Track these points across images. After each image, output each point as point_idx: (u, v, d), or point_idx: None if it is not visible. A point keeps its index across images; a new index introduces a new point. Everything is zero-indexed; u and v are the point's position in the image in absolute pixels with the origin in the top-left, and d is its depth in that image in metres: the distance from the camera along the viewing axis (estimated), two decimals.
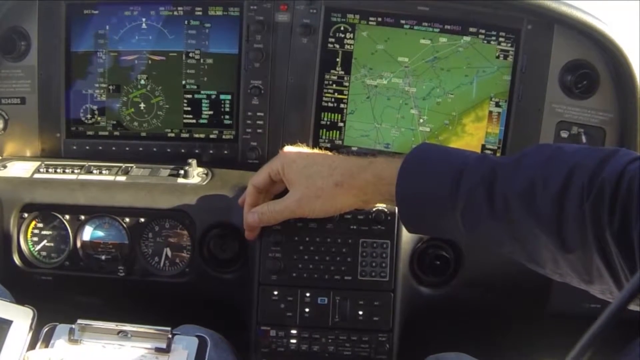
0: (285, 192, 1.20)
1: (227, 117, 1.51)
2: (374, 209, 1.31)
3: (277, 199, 1.20)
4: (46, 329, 1.00)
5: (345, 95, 1.47)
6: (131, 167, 1.44)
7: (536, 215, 0.88)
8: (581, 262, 0.86)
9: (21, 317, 0.98)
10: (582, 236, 0.84)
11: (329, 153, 1.17)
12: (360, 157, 1.12)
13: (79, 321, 0.99)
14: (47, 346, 0.97)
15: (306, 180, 1.12)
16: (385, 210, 1.32)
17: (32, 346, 0.98)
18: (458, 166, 0.97)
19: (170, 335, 0.98)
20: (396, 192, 1.01)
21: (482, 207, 0.93)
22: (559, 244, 0.86)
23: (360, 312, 1.31)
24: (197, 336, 1.01)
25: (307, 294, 1.31)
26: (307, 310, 1.31)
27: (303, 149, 1.21)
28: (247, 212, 1.23)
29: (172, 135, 1.51)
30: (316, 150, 1.20)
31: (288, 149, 1.20)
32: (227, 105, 1.50)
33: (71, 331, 0.98)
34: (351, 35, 1.44)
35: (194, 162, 1.41)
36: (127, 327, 0.99)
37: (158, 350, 0.97)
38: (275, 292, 1.31)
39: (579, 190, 0.84)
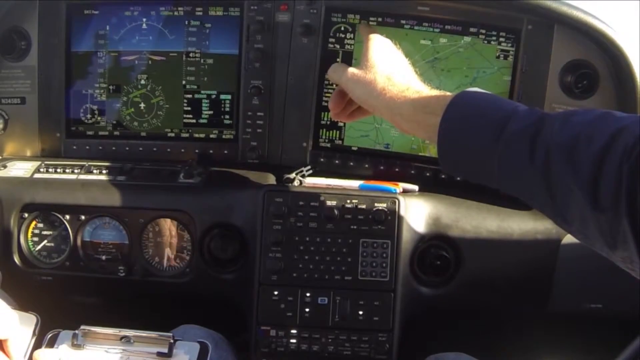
0: None
1: (227, 117, 1.51)
2: (374, 209, 1.32)
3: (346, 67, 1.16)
4: (50, 335, 1.00)
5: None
6: (131, 167, 1.44)
7: (575, 169, 0.88)
8: (609, 224, 0.85)
9: (25, 324, 0.99)
10: (615, 197, 0.83)
11: (409, 68, 1.14)
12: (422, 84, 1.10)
13: (82, 327, 0.99)
14: None
15: (380, 63, 1.12)
16: (386, 210, 1.32)
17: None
18: (506, 112, 0.97)
19: (172, 341, 0.99)
20: (440, 124, 1.00)
21: (523, 154, 0.93)
22: (592, 201, 0.86)
23: (361, 312, 1.31)
24: (198, 342, 1.01)
25: (307, 294, 1.32)
26: (307, 310, 1.31)
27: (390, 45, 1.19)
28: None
29: (172, 135, 1.51)
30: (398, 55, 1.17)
31: (379, 38, 1.18)
32: (227, 105, 1.50)
33: (74, 336, 0.98)
34: (351, 36, 1.44)
35: (194, 162, 1.41)
36: (130, 333, 0.99)
37: (160, 355, 0.98)
38: (276, 292, 1.32)
39: (622, 150, 0.84)
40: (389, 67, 1.11)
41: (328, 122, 1.48)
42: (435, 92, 1.06)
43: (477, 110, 0.99)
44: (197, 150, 1.50)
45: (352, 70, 1.13)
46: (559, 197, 0.92)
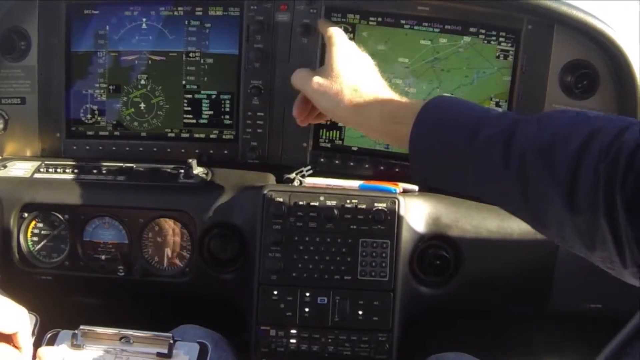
0: None
1: (227, 117, 1.51)
2: (374, 209, 1.32)
3: (311, 72, 1.15)
4: (49, 335, 1.00)
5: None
6: (131, 167, 1.44)
7: (552, 171, 0.87)
8: (587, 226, 0.85)
9: None
10: (593, 198, 0.83)
11: (376, 76, 1.13)
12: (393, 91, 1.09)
13: (82, 327, 0.99)
14: None
15: (344, 70, 1.09)
16: (385, 210, 1.32)
17: (34, 352, 0.99)
18: (479, 117, 0.96)
19: (171, 341, 0.99)
20: (411, 134, 0.99)
21: (497, 159, 0.92)
22: (569, 203, 0.86)
23: (360, 312, 1.31)
24: (198, 342, 1.01)
25: (307, 294, 1.32)
26: (307, 310, 1.31)
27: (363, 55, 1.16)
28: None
29: (172, 135, 1.51)
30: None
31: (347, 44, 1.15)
32: (227, 105, 1.50)
33: (74, 336, 0.98)
34: (351, 36, 1.44)
35: (194, 162, 1.41)
36: (129, 333, 0.99)
37: (160, 355, 0.98)
38: (275, 292, 1.32)
39: (598, 150, 0.84)
40: (355, 77, 1.08)
41: (328, 122, 1.48)
42: (404, 101, 1.04)
43: (448, 117, 0.98)
44: (197, 150, 1.50)
45: (317, 80, 1.10)
46: (533, 201, 0.91)
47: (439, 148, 0.97)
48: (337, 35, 1.15)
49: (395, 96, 1.06)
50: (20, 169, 1.42)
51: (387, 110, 1.03)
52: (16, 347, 0.90)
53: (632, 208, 0.78)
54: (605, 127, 0.86)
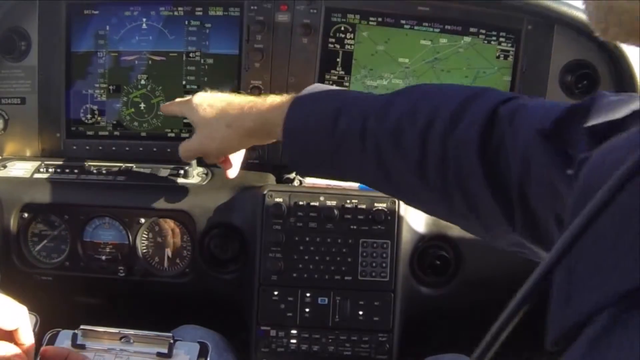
0: None
1: None
2: (374, 209, 1.32)
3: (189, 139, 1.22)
4: (49, 335, 1.00)
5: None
6: (131, 167, 1.44)
7: (403, 154, 0.89)
8: (444, 201, 0.87)
9: None
10: (443, 173, 0.85)
11: (237, 94, 1.17)
12: (259, 97, 1.11)
13: (82, 327, 0.99)
14: None
15: (205, 123, 1.14)
16: (386, 210, 1.32)
17: (35, 352, 0.99)
18: (337, 106, 0.97)
19: (172, 341, 0.99)
20: (282, 134, 1.02)
21: (356, 149, 0.95)
22: (424, 182, 0.88)
23: (361, 312, 1.31)
24: (198, 342, 1.01)
25: (308, 294, 1.32)
26: (307, 310, 1.31)
27: (213, 93, 1.19)
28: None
29: (172, 135, 1.51)
30: (227, 94, 1.18)
31: (197, 95, 1.19)
32: None
33: (74, 336, 0.98)
34: (351, 36, 1.44)
35: (194, 162, 1.41)
36: (130, 333, 0.99)
37: (160, 355, 0.98)
38: (276, 292, 1.32)
39: (441, 127, 0.85)
40: (213, 120, 1.13)
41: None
42: (266, 106, 1.07)
43: (312, 109, 1.01)
44: None
45: (191, 145, 1.19)
46: (397, 183, 0.94)
47: (307, 147, 1.00)
48: (177, 106, 1.22)
49: (256, 105, 1.09)
50: (20, 169, 1.42)
51: (257, 124, 1.07)
52: (17, 344, 0.90)
53: (494, 182, 0.80)
54: (447, 100, 0.87)
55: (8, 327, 0.88)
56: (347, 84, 1.46)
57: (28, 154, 1.50)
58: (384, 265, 1.31)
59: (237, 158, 1.29)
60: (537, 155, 0.74)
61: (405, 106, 0.92)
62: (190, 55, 1.48)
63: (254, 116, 1.08)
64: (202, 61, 1.48)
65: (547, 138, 0.74)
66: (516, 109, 0.82)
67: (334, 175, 1.08)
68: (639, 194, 0.42)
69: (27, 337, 0.91)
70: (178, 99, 1.26)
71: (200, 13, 1.46)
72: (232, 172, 1.29)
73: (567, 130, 0.72)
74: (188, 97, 1.19)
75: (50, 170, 1.41)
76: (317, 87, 1.06)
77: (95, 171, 1.41)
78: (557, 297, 0.49)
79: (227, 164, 1.27)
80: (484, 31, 1.41)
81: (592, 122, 0.66)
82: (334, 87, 1.06)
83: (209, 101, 1.14)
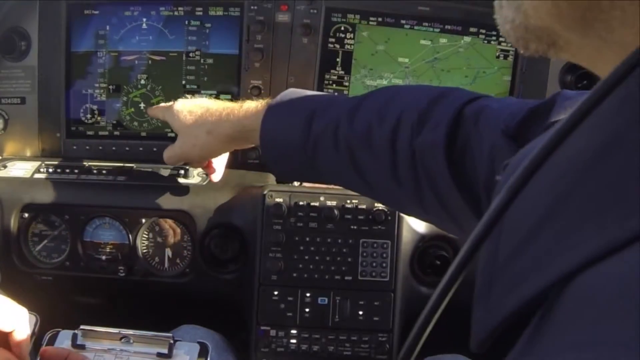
0: None
1: None
2: (374, 209, 1.32)
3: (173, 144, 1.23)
4: (49, 335, 1.00)
5: (345, 95, 1.47)
6: (131, 167, 1.44)
7: (375, 156, 0.90)
8: (417, 201, 0.88)
9: None
10: (414, 173, 0.86)
11: (215, 100, 1.18)
12: (236, 102, 1.12)
13: (82, 327, 0.99)
14: None
15: (186, 130, 1.16)
16: (386, 210, 1.32)
17: (35, 352, 0.99)
18: (311, 109, 0.98)
19: (172, 341, 0.99)
20: (260, 141, 1.04)
21: (331, 153, 0.96)
22: (395, 183, 0.89)
23: (361, 312, 1.31)
24: (198, 342, 1.01)
25: (308, 294, 1.32)
26: (307, 310, 1.31)
27: (193, 99, 1.21)
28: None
29: (172, 135, 1.51)
30: (206, 99, 1.20)
31: (178, 101, 1.20)
32: None
33: (74, 336, 0.98)
34: (351, 36, 1.44)
35: None
36: (130, 333, 0.99)
37: (160, 355, 0.98)
38: (276, 292, 1.32)
39: (409, 129, 0.86)
40: (193, 126, 1.14)
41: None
42: (242, 113, 1.08)
43: (287, 114, 1.01)
44: None
45: (173, 151, 1.20)
46: (373, 184, 0.95)
47: (281, 148, 1.01)
48: (161, 110, 1.23)
49: (233, 113, 1.10)
50: (20, 169, 1.42)
51: (236, 128, 1.08)
52: (13, 345, 0.90)
53: (461, 184, 0.80)
54: (414, 102, 0.88)
55: (4, 328, 0.88)
56: (346, 83, 1.46)
57: (28, 154, 1.50)
58: (384, 265, 1.31)
59: (220, 162, 1.30)
60: (501, 156, 0.74)
61: (374, 108, 0.93)
62: (190, 55, 1.48)
63: (231, 123, 1.09)
64: (202, 61, 1.48)
65: (511, 138, 0.75)
66: (481, 109, 0.82)
67: (314, 179, 1.10)
68: (536, 195, 0.42)
69: (24, 339, 0.91)
70: (162, 104, 1.27)
71: (200, 13, 1.46)
72: (216, 176, 1.31)
73: (529, 130, 0.72)
74: (171, 103, 1.21)
75: (50, 170, 1.40)
76: (292, 92, 1.06)
77: (95, 171, 1.41)
78: (479, 295, 0.49)
79: (210, 168, 1.29)
80: (484, 31, 1.41)
81: (552, 120, 0.66)
82: (308, 92, 1.06)
83: (188, 108, 1.16)
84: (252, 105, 1.07)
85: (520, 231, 0.44)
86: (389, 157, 0.88)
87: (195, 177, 1.41)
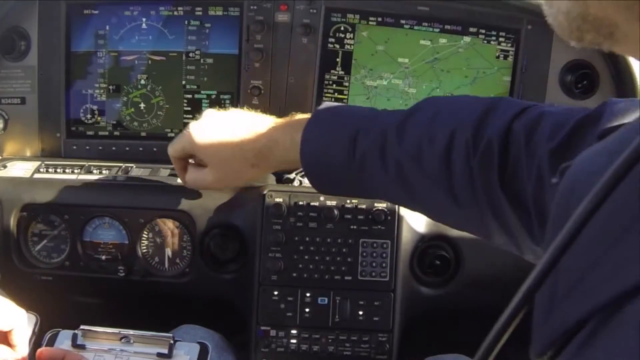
0: None
1: None
2: (374, 209, 1.31)
3: (200, 169, 1.20)
4: (49, 335, 1.00)
5: (345, 95, 1.47)
6: (131, 167, 1.44)
7: (427, 175, 0.90)
8: (475, 218, 0.87)
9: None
10: (472, 193, 0.85)
11: (240, 123, 1.14)
12: (270, 128, 1.10)
13: (82, 327, 0.99)
14: None
15: (222, 164, 1.15)
16: (385, 210, 1.32)
17: (34, 351, 0.99)
18: (352, 129, 0.98)
19: (172, 341, 0.99)
20: (301, 163, 1.04)
21: (378, 171, 0.95)
22: (452, 201, 0.88)
23: (361, 312, 1.31)
24: (198, 342, 1.01)
25: (307, 294, 1.31)
26: (307, 310, 1.31)
27: (209, 123, 1.16)
28: (180, 177, 1.27)
29: (172, 135, 1.51)
30: (225, 119, 1.16)
31: (193, 127, 1.16)
32: (227, 105, 1.50)
33: (74, 336, 0.98)
34: (351, 36, 1.44)
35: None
36: (130, 333, 0.99)
37: (160, 355, 0.98)
38: (276, 292, 1.32)
39: (464, 147, 0.85)
40: (232, 161, 1.13)
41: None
42: (288, 142, 1.06)
43: (328, 134, 1.01)
44: None
45: (204, 181, 1.19)
46: (423, 201, 0.94)
47: (325, 167, 1.01)
48: (181, 144, 1.19)
49: (261, 133, 1.09)
50: (20, 169, 1.42)
51: (285, 153, 1.07)
52: (11, 345, 0.90)
53: (514, 200, 0.80)
54: (464, 118, 0.87)
55: (3, 327, 0.88)
56: (346, 84, 1.46)
57: (28, 154, 1.50)
58: (384, 265, 1.31)
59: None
60: (548, 174, 0.75)
61: (422, 124, 0.91)
62: (190, 55, 1.48)
63: (275, 156, 1.09)
64: (201, 61, 1.48)
65: (557, 154, 0.74)
66: (530, 125, 0.81)
67: (360, 195, 1.11)
68: (619, 205, 0.42)
69: (21, 339, 0.91)
70: (177, 139, 1.20)
71: (200, 13, 1.46)
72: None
73: (577, 140, 0.72)
74: (185, 133, 1.16)
75: (50, 170, 1.40)
76: (328, 109, 1.05)
77: (95, 171, 1.41)
78: (541, 307, 0.49)
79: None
80: (483, 31, 1.41)
81: (605, 127, 0.65)
82: (345, 106, 1.07)
83: (215, 139, 1.13)
84: (291, 125, 1.07)
85: (602, 240, 0.44)
86: (442, 176, 0.87)
87: None
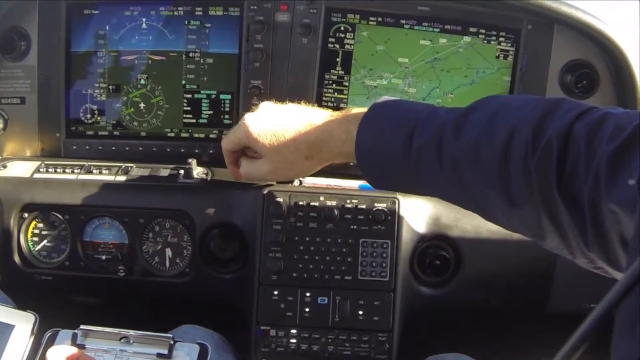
0: None
1: (226, 116, 1.51)
2: (374, 209, 1.31)
3: (255, 160, 1.21)
4: (49, 334, 1.00)
5: (345, 95, 1.47)
6: (131, 167, 1.44)
7: (483, 173, 0.89)
8: (530, 218, 0.86)
9: (23, 322, 0.99)
10: (529, 193, 0.84)
11: (295, 115, 1.14)
12: (325, 121, 1.11)
13: (82, 326, 0.99)
14: None
15: (277, 155, 1.14)
16: (386, 210, 1.32)
17: (33, 351, 0.98)
18: (410, 124, 0.98)
19: (172, 342, 0.99)
20: (356, 155, 1.04)
21: (434, 167, 0.95)
22: (507, 200, 0.87)
23: (361, 312, 1.31)
24: (198, 343, 1.02)
25: (307, 294, 1.32)
26: (307, 310, 1.31)
27: (264, 115, 1.17)
28: (230, 171, 1.27)
29: (172, 135, 1.51)
30: (280, 111, 1.17)
31: (249, 118, 1.17)
32: (227, 105, 1.50)
33: (74, 336, 0.98)
34: (351, 35, 1.44)
35: (194, 162, 1.41)
36: (129, 333, 0.99)
37: (160, 356, 0.98)
38: (276, 292, 1.32)
39: (523, 147, 0.85)
40: (286, 152, 1.13)
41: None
42: (343, 136, 1.07)
43: (385, 126, 1.01)
44: (197, 150, 1.50)
45: (258, 172, 1.19)
46: (476, 199, 0.94)
47: (380, 161, 1.01)
48: (236, 137, 1.19)
49: (315, 127, 1.10)
50: (20, 169, 1.42)
51: (338, 146, 1.08)
52: None
53: (570, 203, 0.79)
54: (525, 118, 0.86)
55: None
56: (346, 83, 1.46)
57: (28, 154, 1.50)
58: (384, 265, 1.31)
59: None
60: (604, 177, 0.74)
61: (480, 122, 0.91)
62: (190, 54, 1.48)
63: (330, 149, 1.09)
64: (201, 61, 1.48)
65: (615, 157, 0.74)
66: (593, 126, 0.80)
67: (414, 191, 1.09)
68: None
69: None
70: (232, 131, 1.21)
71: (200, 13, 1.46)
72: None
73: (637, 146, 0.71)
74: (240, 124, 1.17)
75: (50, 170, 1.40)
76: (386, 103, 1.05)
77: (95, 171, 1.41)
78: (623, 325, 0.48)
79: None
80: (483, 31, 1.41)
81: None
82: (404, 101, 1.06)
83: (270, 129, 1.13)
84: (347, 118, 1.07)
85: None
86: (499, 175, 0.87)
87: (195, 177, 1.41)
